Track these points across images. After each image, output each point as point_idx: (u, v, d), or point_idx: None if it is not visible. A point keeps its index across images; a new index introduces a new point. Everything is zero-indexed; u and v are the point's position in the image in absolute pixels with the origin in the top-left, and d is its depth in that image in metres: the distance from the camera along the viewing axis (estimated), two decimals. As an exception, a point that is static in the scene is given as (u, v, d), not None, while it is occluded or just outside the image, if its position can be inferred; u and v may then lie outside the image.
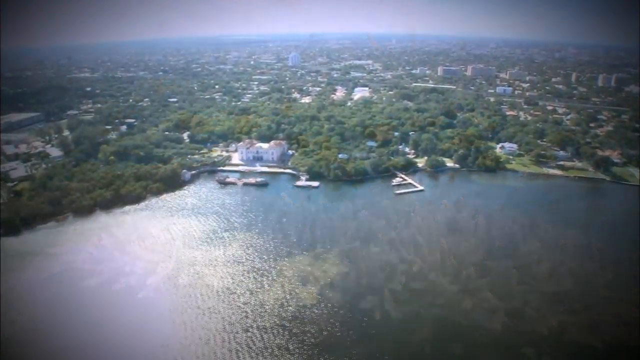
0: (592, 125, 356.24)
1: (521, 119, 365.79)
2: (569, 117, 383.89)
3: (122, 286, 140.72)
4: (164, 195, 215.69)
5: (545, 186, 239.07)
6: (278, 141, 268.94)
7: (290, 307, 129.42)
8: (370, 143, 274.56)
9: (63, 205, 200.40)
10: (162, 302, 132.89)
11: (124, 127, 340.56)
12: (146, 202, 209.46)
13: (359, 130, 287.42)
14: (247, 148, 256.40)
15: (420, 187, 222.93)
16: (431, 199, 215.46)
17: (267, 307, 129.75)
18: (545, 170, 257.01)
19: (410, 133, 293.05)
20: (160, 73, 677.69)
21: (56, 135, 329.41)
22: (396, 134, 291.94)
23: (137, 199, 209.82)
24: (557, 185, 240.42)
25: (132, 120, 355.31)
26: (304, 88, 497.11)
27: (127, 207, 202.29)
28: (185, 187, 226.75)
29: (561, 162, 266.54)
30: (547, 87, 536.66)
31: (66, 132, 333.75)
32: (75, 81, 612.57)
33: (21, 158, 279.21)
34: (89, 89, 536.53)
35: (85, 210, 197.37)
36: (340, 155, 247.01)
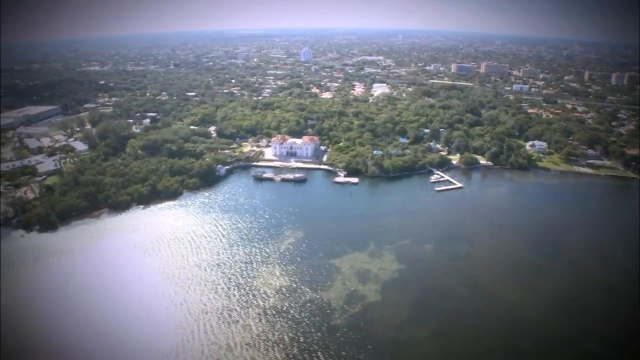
0: (613, 124, 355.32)
1: (543, 117, 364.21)
2: (588, 115, 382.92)
3: (172, 285, 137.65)
4: (201, 191, 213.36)
5: (580, 185, 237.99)
6: (311, 137, 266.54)
7: (357, 306, 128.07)
8: (402, 139, 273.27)
9: (99, 201, 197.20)
10: (219, 303, 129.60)
11: (146, 121, 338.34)
12: (183, 197, 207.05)
13: (390, 126, 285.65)
14: (281, 143, 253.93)
15: (459, 184, 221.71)
16: (472, 196, 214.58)
17: (333, 305, 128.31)
18: (576, 168, 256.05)
19: (441, 130, 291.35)
20: (172, 67, 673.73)
21: (78, 129, 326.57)
22: (426, 130, 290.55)
23: (173, 194, 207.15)
24: (591, 183, 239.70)
25: (154, 114, 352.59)
26: (322, 83, 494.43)
27: (165, 203, 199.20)
28: (221, 183, 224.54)
29: (590, 161, 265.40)
30: (562, 86, 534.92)
31: (87, 126, 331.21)
32: (87, 74, 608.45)
33: (45, 152, 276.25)
34: (102, 82, 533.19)
35: (122, 206, 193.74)
36: (375, 152, 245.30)
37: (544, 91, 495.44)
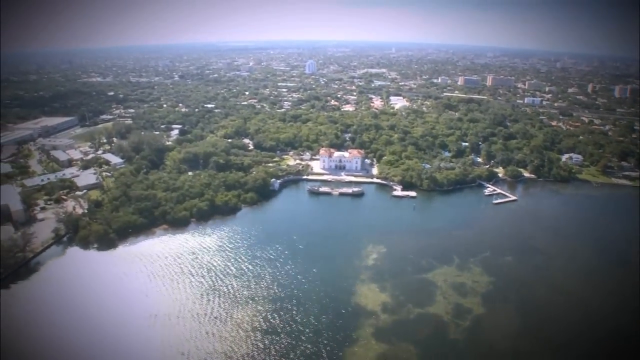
0: (634, 136, 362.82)
1: (564, 129, 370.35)
2: (606, 128, 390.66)
3: (269, 306, 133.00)
4: (259, 206, 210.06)
5: (622, 196, 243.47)
6: (357, 150, 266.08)
7: (467, 319, 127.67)
8: (446, 153, 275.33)
9: (155, 217, 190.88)
10: (332, 322, 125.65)
11: (174, 133, 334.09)
12: (242, 212, 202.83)
13: (430, 140, 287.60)
14: (329, 157, 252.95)
15: (514, 197, 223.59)
16: (528, 208, 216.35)
17: (444, 319, 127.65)
18: (614, 180, 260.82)
19: (480, 144, 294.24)
20: (177, 78, 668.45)
21: (105, 140, 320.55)
22: (464, 144, 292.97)
23: (232, 209, 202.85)
24: (632, 194, 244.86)
25: (180, 126, 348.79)
26: (339, 96, 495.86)
27: (225, 219, 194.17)
28: (276, 197, 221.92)
29: (627, 173, 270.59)
30: (570, 98, 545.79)
31: (114, 138, 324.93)
32: (91, 85, 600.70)
33: (77, 165, 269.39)
34: (111, 93, 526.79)
35: (181, 223, 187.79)
36: (424, 166, 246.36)
37: (555, 104, 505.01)
